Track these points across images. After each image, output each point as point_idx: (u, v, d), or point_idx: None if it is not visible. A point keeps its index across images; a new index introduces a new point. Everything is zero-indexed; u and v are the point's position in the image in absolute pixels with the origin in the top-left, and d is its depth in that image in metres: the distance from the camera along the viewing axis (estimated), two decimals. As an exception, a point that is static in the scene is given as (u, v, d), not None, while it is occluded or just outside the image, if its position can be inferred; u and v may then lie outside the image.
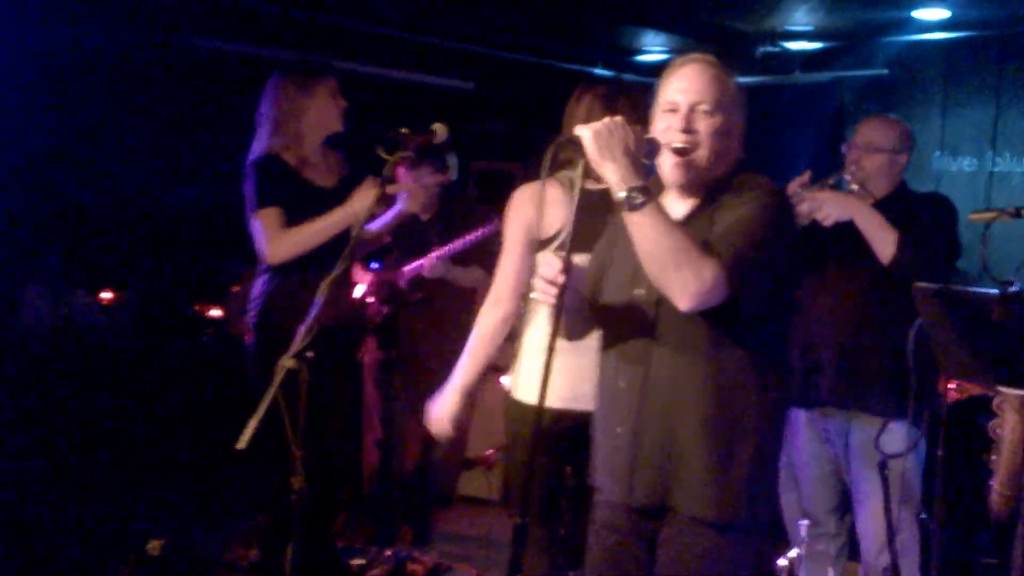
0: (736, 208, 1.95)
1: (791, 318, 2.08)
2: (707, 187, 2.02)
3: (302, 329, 2.31)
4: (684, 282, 1.85)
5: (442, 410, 2.65)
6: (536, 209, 2.52)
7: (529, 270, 2.50)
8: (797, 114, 5.61)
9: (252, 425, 2.12)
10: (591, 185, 2.13)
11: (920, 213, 3.12)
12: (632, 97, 2.63)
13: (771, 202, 1.98)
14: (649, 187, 1.90)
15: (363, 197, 3.05)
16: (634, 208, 1.87)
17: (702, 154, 1.98)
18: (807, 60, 5.46)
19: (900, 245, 2.96)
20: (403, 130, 2.79)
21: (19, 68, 4.54)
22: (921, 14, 4.79)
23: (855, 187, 3.16)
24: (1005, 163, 5.02)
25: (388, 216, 3.44)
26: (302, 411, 2.38)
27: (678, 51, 5.79)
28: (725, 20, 5.12)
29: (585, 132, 1.91)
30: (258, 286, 3.28)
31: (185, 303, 5.05)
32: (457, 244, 4.08)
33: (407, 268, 4.18)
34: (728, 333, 1.94)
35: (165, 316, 5.03)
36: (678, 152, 1.97)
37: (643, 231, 1.88)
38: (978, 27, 4.86)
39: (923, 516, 3.07)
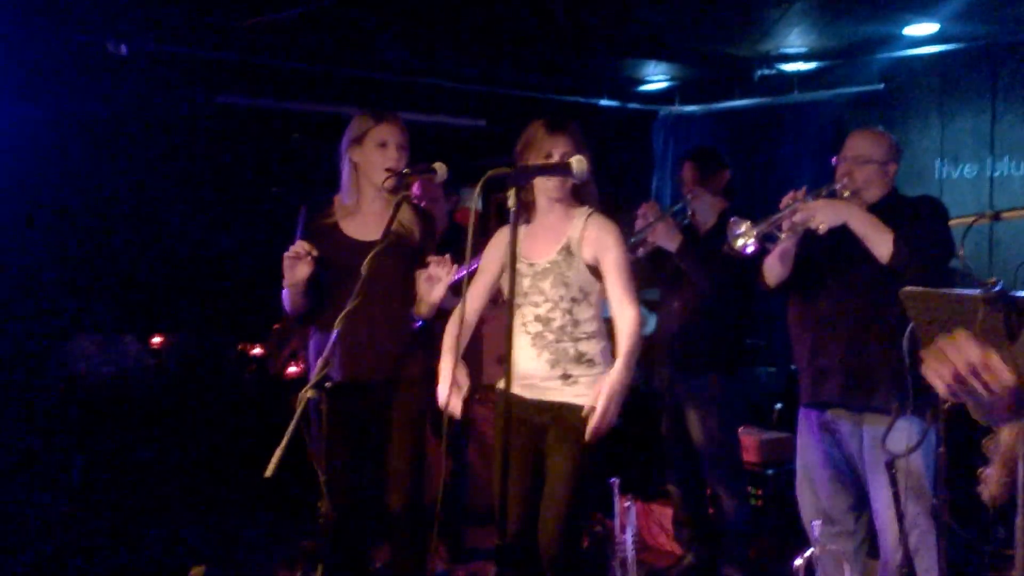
0: None
1: None
2: None
3: (319, 361, 2.44)
4: None
5: None
6: None
7: None
8: (798, 132, 5.78)
9: (278, 454, 2.26)
10: None
11: (912, 214, 3.23)
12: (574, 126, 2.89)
13: None
14: None
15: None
16: None
17: None
18: (804, 79, 5.62)
19: (897, 243, 3.05)
20: (404, 170, 2.92)
21: (63, 130, 4.84)
22: (911, 30, 4.95)
23: (847, 195, 3.28)
24: (1005, 168, 5.15)
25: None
26: (324, 438, 2.51)
27: (679, 79, 6.01)
28: (722, 47, 5.31)
29: None
30: (311, 344, 3.26)
31: (229, 343, 5.31)
32: (460, 272, 4.05)
33: None
34: None
35: (211, 356, 5.29)
36: None
37: None
38: (969, 39, 5.01)
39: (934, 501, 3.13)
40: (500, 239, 3.06)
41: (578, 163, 2.59)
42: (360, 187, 3.13)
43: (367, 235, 3.06)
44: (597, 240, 2.87)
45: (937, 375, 1.64)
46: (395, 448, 3.08)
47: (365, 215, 3.14)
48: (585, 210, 2.93)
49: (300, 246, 2.96)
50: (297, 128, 5.27)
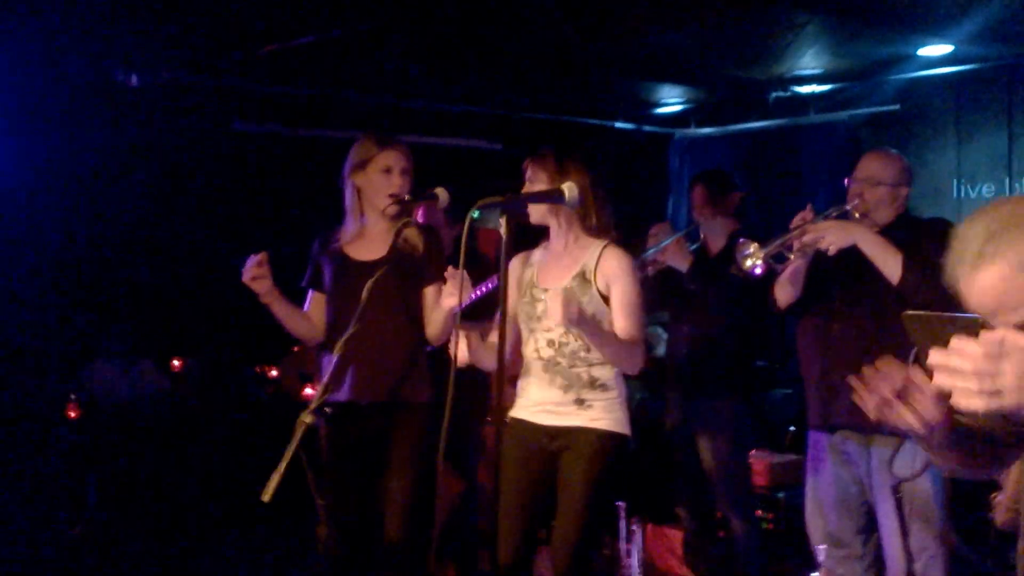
0: None
1: None
2: None
3: (319, 387, 2.46)
4: None
5: None
6: None
7: None
8: (814, 153, 5.77)
9: (276, 479, 2.27)
10: None
11: (923, 236, 3.21)
12: (580, 158, 2.89)
13: None
14: None
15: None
16: None
17: None
18: (819, 101, 5.61)
19: (906, 265, 3.02)
20: (406, 196, 2.92)
21: (82, 159, 4.96)
22: (926, 51, 4.94)
23: (858, 216, 3.26)
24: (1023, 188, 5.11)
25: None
26: (324, 463, 2.51)
27: (694, 102, 6.02)
28: (736, 70, 5.31)
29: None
30: (323, 368, 3.23)
31: (247, 366, 5.37)
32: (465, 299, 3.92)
33: None
34: None
35: (229, 380, 5.35)
36: None
37: None
38: (983, 59, 4.98)
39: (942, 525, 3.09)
40: (512, 268, 3.07)
41: (569, 190, 2.59)
42: (364, 211, 3.12)
43: (372, 255, 3.06)
44: (610, 269, 2.89)
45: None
46: (395, 474, 3.02)
47: (369, 238, 3.13)
48: (601, 241, 2.93)
49: (249, 269, 2.92)
50: (313, 154, 5.34)
